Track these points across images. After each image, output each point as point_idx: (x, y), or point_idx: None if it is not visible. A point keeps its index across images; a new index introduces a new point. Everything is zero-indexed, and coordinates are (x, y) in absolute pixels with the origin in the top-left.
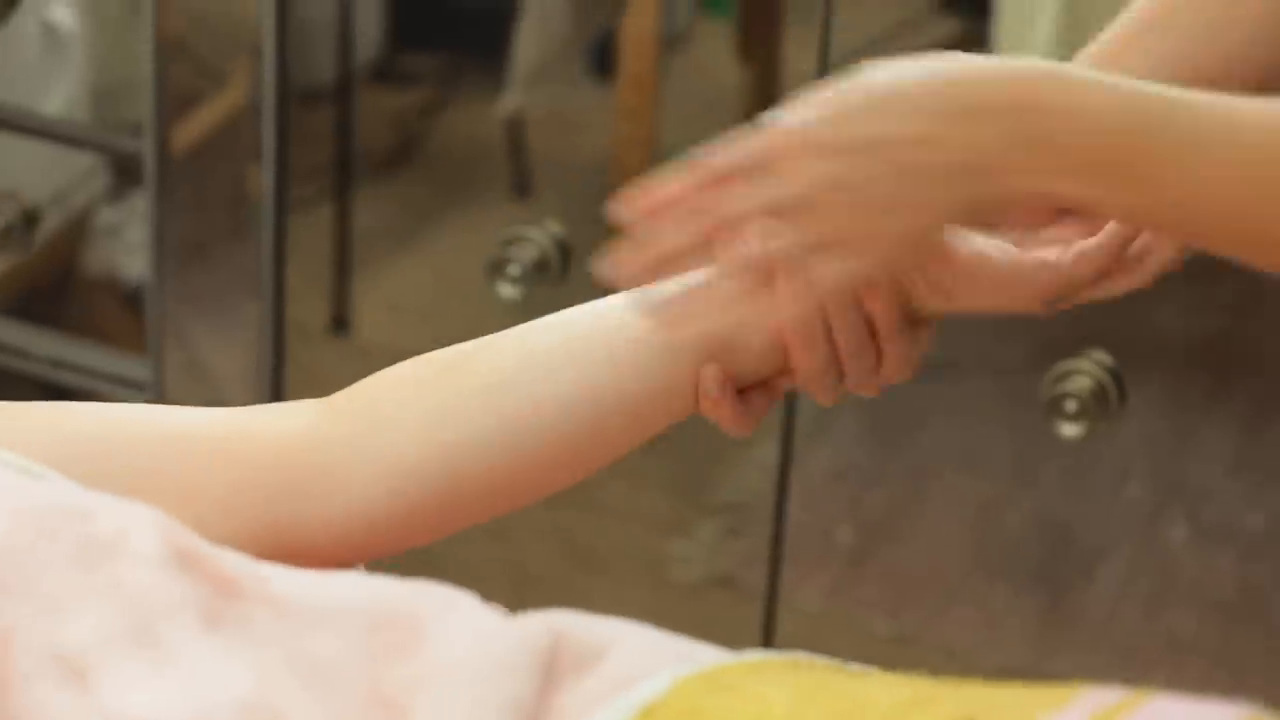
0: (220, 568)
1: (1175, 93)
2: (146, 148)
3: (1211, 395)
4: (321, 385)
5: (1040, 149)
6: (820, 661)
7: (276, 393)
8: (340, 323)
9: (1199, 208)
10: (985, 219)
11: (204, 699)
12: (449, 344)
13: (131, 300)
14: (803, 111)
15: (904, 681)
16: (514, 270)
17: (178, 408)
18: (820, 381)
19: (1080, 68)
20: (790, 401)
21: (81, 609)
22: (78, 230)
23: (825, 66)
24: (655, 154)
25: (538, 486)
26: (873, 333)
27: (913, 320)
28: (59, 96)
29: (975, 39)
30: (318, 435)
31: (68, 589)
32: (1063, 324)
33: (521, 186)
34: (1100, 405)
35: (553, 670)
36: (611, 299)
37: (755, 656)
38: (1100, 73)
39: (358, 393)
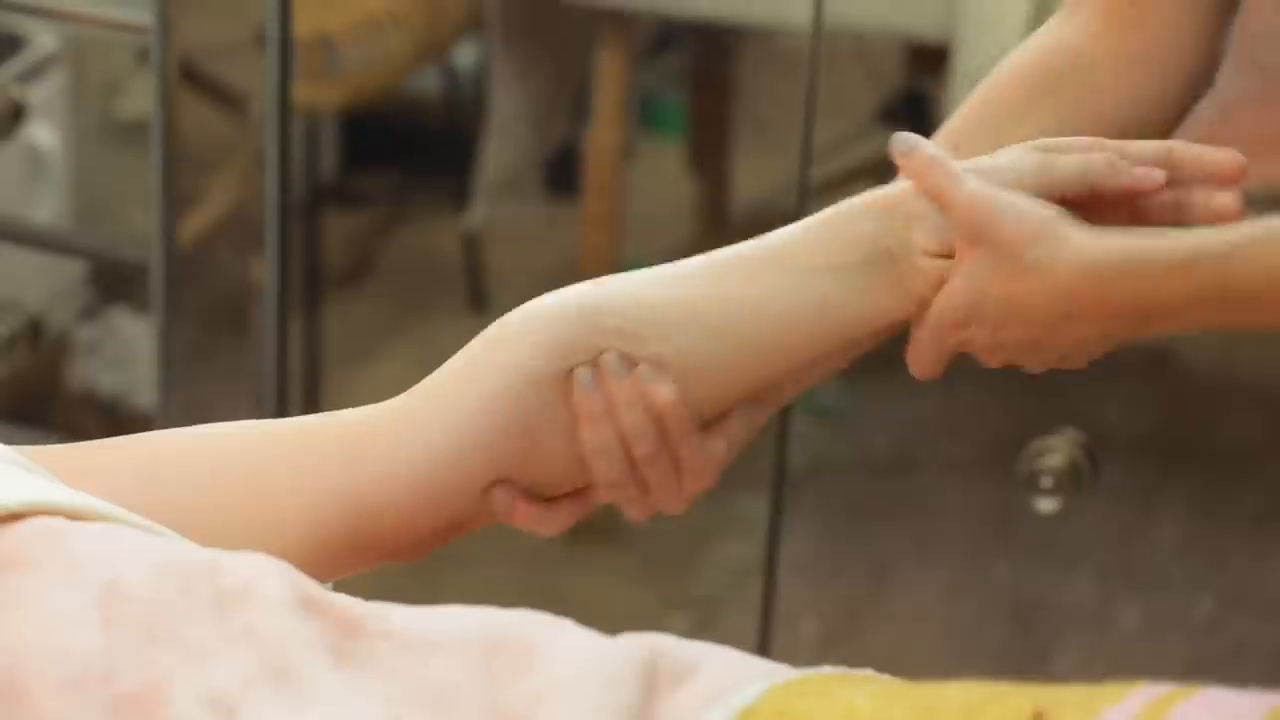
0: (342, 609)
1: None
2: (154, 258)
3: (1166, 478)
4: None
5: (1135, 328)
6: (888, 676)
7: None
8: None
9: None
10: None
11: None
12: None
13: (108, 412)
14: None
15: (973, 684)
16: None
17: (243, 423)
18: (622, 492)
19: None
20: (776, 494)
21: (225, 654)
22: (60, 345)
23: (806, 174)
24: (618, 264)
25: None
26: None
27: (707, 429)
28: (42, 214)
29: None
30: (378, 414)
31: (210, 637)
32: (1035, 405)
33: (478, 300)
34: (1074, 481)
35: (654, 682)
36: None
37: (834, 670)
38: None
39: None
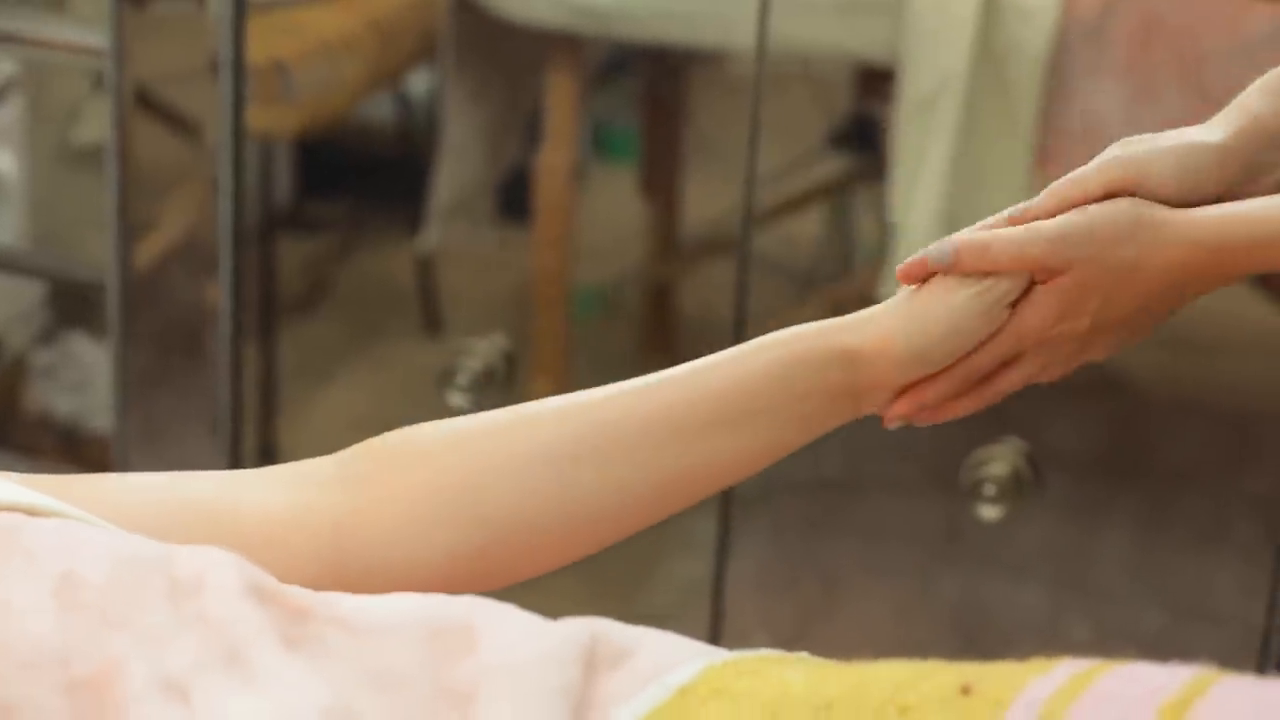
0: (292, 597)
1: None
2: (110, 283)
3: (1112, 490)
4: None
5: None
6: (821, 658)
7: None
8: (267, 451)
9: None
10: None
11: (291, 709)
12: None
13: (65, 435)
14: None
15: (902, 663)
16: (462, 380)
17: (213, 477)
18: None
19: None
20: (724, 513)
21: (178, 638)
22: (17, 367)
23: (751, 199)
24: (570, 285)
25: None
26: None
27: None
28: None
29: (867, 173)
30: (359, 529)
31: (164, 622)
32: (979, 421)
33: (433, 323)
34: (1017, 488)
35: (593, 662)
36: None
37: (770, 652)
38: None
39: (384, 470)
